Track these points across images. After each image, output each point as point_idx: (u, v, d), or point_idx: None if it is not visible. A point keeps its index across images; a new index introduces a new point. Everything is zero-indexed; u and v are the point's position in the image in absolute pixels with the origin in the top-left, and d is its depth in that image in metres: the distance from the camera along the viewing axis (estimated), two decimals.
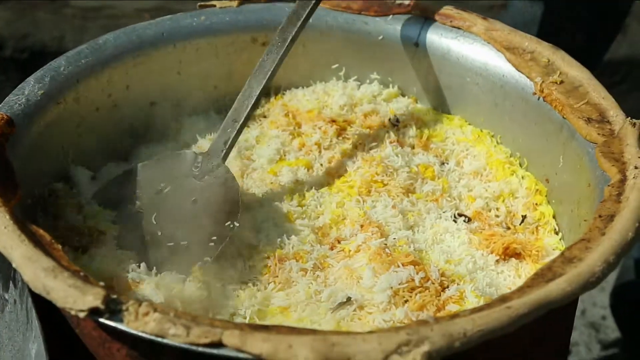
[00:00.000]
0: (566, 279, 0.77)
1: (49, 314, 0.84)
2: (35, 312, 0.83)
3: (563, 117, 1.07)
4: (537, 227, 1.11)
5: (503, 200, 1.15)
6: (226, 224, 1.02)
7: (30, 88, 1.07)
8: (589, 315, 2.07)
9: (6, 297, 0.90)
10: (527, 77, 1.15)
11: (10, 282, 0.89)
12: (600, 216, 0.87)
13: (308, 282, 0.98)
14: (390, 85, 1.35)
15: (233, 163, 1.18)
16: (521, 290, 0.78)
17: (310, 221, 1.08)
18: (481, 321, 0.73)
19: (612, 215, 0.86)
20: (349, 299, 0.95)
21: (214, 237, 1.01)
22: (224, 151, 1.11)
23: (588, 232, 0.85)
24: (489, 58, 1.22)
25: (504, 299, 0.76)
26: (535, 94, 1.13)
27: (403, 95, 1.35)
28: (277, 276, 0.98)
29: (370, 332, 0.73)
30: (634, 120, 0.99)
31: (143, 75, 1.24)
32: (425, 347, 0.71)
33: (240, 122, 1.12)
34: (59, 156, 1.11)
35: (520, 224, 1.11)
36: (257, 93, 1.14)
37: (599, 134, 1.00)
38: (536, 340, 0.88)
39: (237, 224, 1.02)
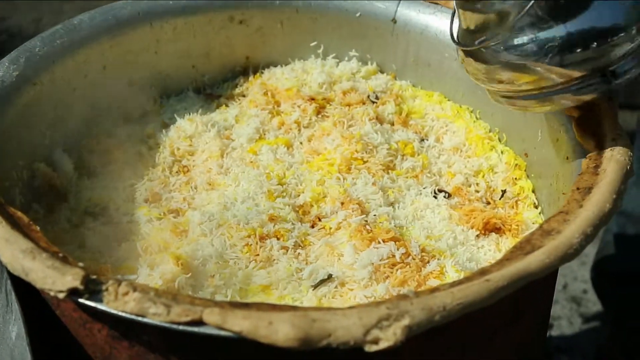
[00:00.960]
0: (545, 251, 0.78)
1: (29, 296, 0.84)
2: (15, 295, 0.83)
3: None
4: (516, 202, 1.11)
5: (483, 176, 1.15)
6: None
7: (4, 69, 1.05)
8: (571, 289, 2.09)
9: None
10: None
11: None
12: (578, 189, 0.87)
13: (289, 260, 0.98)
14: (369, 63, 1.35)
15: (212, 143, 1.17)
16: (500, 263, 0.78)
17: (291, 199, 1.08)
18: (461, 294, 0.73)
19: (590, 188, 0.86)
20: (330, 276, 0.95)
21: None
22: None
23: (566, 205, 0.85)
24: None
25: (483, 272, 0.77)
26: None
27: (382, 72, 1.35)
28: (258, 254, 0.98)
29: (351, 307, 0.73)
30: (610, 94, 0.99)
31: (120, 55, 1.23)
32: (405, 321, 0.71)
33: None
34: (37, 138, 1.10)
35: (500, 199, 1.12)
36: None
37: (576, 107, 1.00)
38: (517, 313, 0.89)
39: None
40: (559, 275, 1.12)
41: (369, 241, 0.99)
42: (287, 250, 0.99)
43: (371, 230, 1.01)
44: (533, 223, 1.07)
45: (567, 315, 2.01)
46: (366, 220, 1.03)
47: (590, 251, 2.11)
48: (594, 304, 2.03)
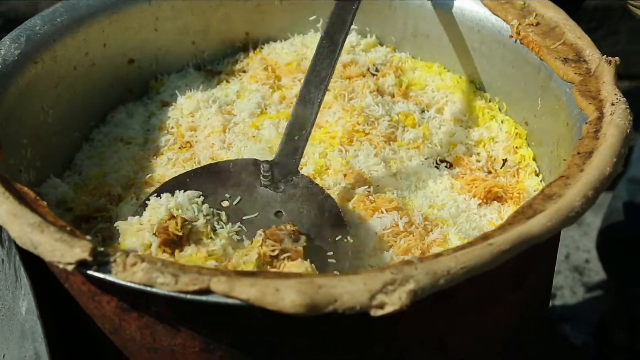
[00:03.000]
0: (546, 214, 0.79)
1: (38, 271, 0.85)
2: (24, 270, 0.83)
3: (540, 59, 1.08)
4: (517, 170, 1.12)
5: (484, 145, 1.16)
6: (337, 239, 0.94)
7: (6, 48, 1.06)
8: (573, 259, 2.10)
9: None
10: (504, 20, 1.16)
11: None
12: (578, 153, 0.88)
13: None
14: (368, 35, 1.35)
15: (214, 118, 1.18)
16: (502, 228, 0.79)
17: None
18: (464, 258, 0.74)
19: (590, 152, 0.87)
20: None
21: (330, 253, 0.93)
22: (297, 160, 1.02)
23: (567, 169, 0.86)
24: (465, 3, 1.22)
25: (486, 236, 0.78)
26: (512, 36, 1.14)
27: (381, 44, 1.35)
28: None
29: (356, 274, 0.74)
30: (610, 58, 1.00)
31: (119, 32, 1.23)
32: (410, 286, 0.72)
33: (308, 130, 1.03)
34: (39, 116, 1.11)
35: (501, 168, 1.12)
36: (319, 101, 1.04)
37: (575, 73, 1.01)
38: (519, 279, 0.89)
39: (351, 240, 0.95)
40: (561, 246, 1.13)
41: (372, 211, 0.99)
42: None
43: (374, 201, 1.02)
44: (534, 191, 1.08)
45: (569, 284, 2.02)
46: (369, 191, 1.03)
47: (593, 221, 2.12)
48: (596, 274, 2.05)
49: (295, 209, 0.99)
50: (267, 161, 1.01)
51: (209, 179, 1.02)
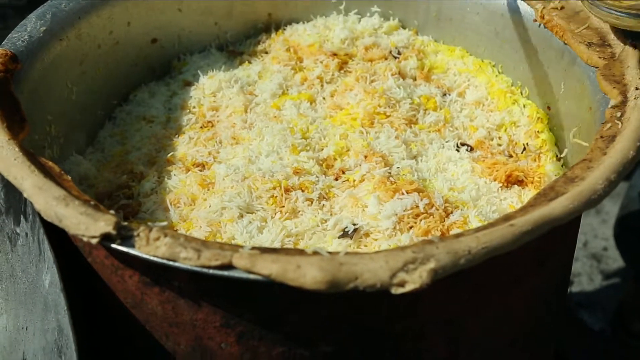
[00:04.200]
0: (569, 196, 0.78)
1: (62, 244, 0.86)
2: (48, 243, 0.84)
3: (564, 43, 1.08)
4: (539, 155, 1.12)
5: (505, 129, 1.16)
6: None
7: (32, 25, 1.07)
8: (591, 246, 2.09)
9: (17, 230, 0.91)
10: (528, 4, 1.15)
11: (21, 215, 0.90)
12: (601, 137, 0.87)
13: (314, 211, 0.99)
14: (391, 18, 1.35)
15: (236, 98, 1.18)
16: (524, 209, 0.79)
17: (315, 153, 1.09)
18: (485, 238, 0.74)
19: (614, 136, 0.87)
20: (355, 226, 0.96)
21: None
22: None
23: (590, 153, 0.86)
24: None
25: (507, 217, 0.78)
26: (535, 20, 1.13)
27: (404, 27, 1.35)
28: (284, 206, 1.00)
29: (377, 252, 0.74)
30: (635, 42, 0.99)
31: (144, 11, 1.24)
32: (431, 265, 0.72)
33: None
34: (64, 93, 1.11)
35: (522, 152, 1.12)
36: None
37: (600, 57, 1.00)
38: (540, 261, 0.89)
39: None
40: (579, 233, 1.12)
41: (393, 192, 1.00)
42: (312, 202, 1.00)
43: (395, 182, 1.02)
44: (555, 175, 1.08)
45: (587, 272, 2.02)
46: (389, 172, 1.04)
47: (611, 209, 2.11)
48: (614, 261, 2.04)
49: None
50: None
51: None
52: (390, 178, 1.03)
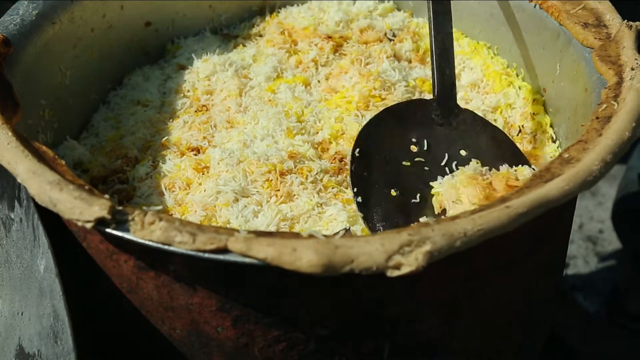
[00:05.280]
0: (564, 178, 0.78)
1: (56, 229, 0.85)
2: (43, 228, 0.84)
3: (559, 24, 1.07)
4: (534, 137, 1.12)
5: (501, 112, 1.16)
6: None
7: (24, 8, 1.06)
8: (587, 229, 2.10)
9: (12, 216, 0.91)
10: None
11: (15, 201, 0.89)
12: (597, 118, 0.87)
13: (309, 195, 0.99)
14: (386, 0, 1.35)
15: (230, 82, 1.18)
16: (520, 191, 0.78)
17: (310, 137, 1.09)
18: (481, 220, 0.74)
19: (609, 117, 0.86)
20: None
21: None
22: (454, 94, 1.06)
23: (585, 134, 0.85)
24: None
25: (503, 199, 0.77)
26: (531, 1, 1.13)
27: (399, 9, 1.35)
28: (279, 190, 0.99)
29: (373, 235, 0.74)
30: (630, 22, 0.99)
31: None
32: (427, 247, 0.72)
33: (454, 62, 1.07)
34: (57, 77, 1.11)
35: (517, 134, 1.12)
36: (451, 30, 1.08)
37: (595, 38, 1.00)
38: (536, 243, 0.89)
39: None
40: (575, 216, 1.12)
41: None
42: (307, 186, 1.00)
43: None
44: (551, 157, 1.08)
45: (582, 254, 2.02)
46: None
47: (607, 191, 2.11)
48: (609, 244, 2.04)
49: (473, 144, 1.01)
50: (432, 99, 1.05)
51: (393, 123, 1.04)
52: None
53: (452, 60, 1.07)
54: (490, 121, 1.05)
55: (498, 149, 1.01)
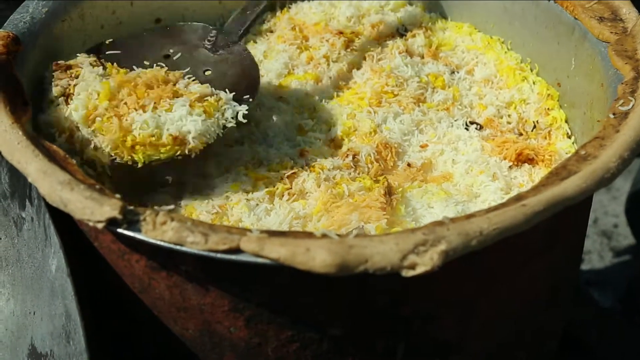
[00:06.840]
0: (581, 175, 0.77)
1: (68, 229, 0.85)
2: (54, 228, 0.83)
3: (575, 18, 1.06)
4: (549, 132, 1.10)
5: (515, 107, 1.14)
6: (243, 98, 1.02)
7: (34, 6, 1.05)
8: (601, 223, 2.08)
9: (23, 215, 0.91)
10: None
11: (27, 200, 0.89)
12: (614, 114, 0.86)
13: (322, 193, 0.98)
14: None
15: None
16: (536, 189, 0.77)
17: (322, 133, 1.08)
18: (497, 219, 0.73)
19: (627, 113, 0.85)
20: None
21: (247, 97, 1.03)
22: (242, 31, 1.13)
23: (602, 130, 0.84)
24: None
25: (519, 197, 0.76)
26: None
27: (410, 4, 1.33)
28: (291, 188, 0.99)
29: (387, 234, 0.73)
30: None
31: None
32: (442, 246, 0.71)
33: (261, 7, 1.16)
34: None
35: (532, 130, 1.11)
36: None
37: (611, 32, 0.99)
38: (552, 241, 0.88)
39: (253, 101, 1.03)
40: None
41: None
42: (320, 184, 0.99)
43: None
44: (566, 153, 1.06)
45: (597, 249, 2.00)
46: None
47: (622, 185, 2.09)
48: (624, 238, 2.02)
49: (222, 70, 1.07)
50: (215, 27, 1.13)
51: (162, 35, 1.12)
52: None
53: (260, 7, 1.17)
54: (252, 59, 1.10)
55: (242, 78, 1.07)
